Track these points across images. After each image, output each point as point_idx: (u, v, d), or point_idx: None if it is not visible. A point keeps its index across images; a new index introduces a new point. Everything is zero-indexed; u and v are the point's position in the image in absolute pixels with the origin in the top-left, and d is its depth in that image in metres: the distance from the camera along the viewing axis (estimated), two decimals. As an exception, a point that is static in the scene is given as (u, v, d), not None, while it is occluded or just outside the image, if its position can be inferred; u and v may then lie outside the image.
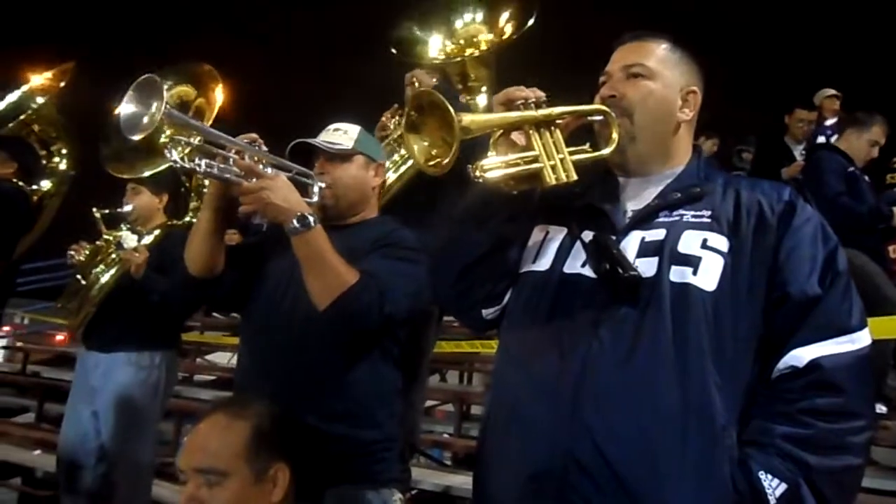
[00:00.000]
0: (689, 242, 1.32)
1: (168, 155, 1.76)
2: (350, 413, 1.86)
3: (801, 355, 1.27)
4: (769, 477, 1.22)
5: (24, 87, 4.16)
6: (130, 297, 3.20)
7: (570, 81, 1.51)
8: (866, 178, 4.29)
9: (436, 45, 3.21)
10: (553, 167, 1.31)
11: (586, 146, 1.39)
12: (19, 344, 7.51)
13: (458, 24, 3.22)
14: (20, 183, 4.01)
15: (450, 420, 4.77)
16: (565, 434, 1.25)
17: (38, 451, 4.52)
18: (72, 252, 3.36)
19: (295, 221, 1.78)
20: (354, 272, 1.79)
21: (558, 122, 1.35)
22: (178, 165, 1.77)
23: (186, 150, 1.76)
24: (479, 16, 3.22)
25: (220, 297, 2.04)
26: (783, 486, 1.22)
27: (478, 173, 1.29)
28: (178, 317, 3.51)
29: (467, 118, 1.26)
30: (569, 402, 1.26)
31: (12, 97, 4.14)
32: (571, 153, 1.34)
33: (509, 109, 1.34)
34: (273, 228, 1.98)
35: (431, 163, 1.30)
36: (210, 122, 2.60)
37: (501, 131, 1.35)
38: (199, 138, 1.80)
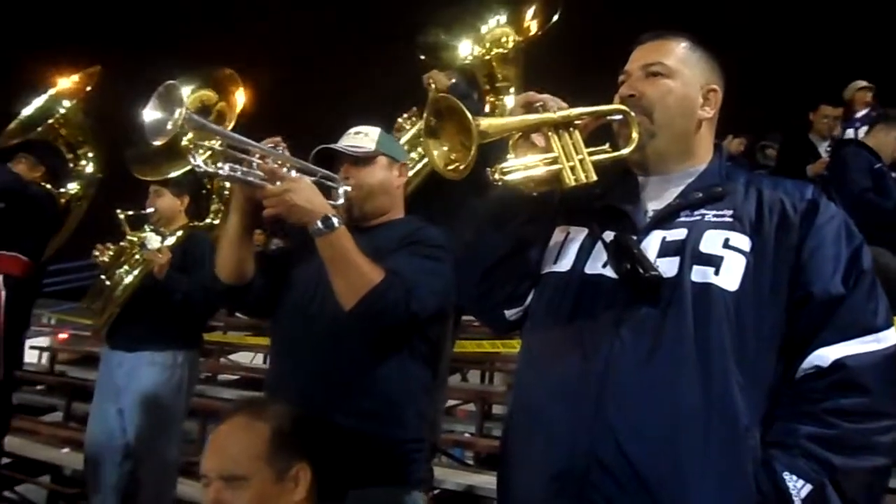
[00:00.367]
0: (710, 242, 1.31)
1: (192, 160, 1.78)
2: (380, 412, 1.86)
3: (825, 355, 1.26)
4: (794, 478, 1.21)
5: (51, 91, 4.22)
6: (154, 297, 3.25)
7: (591, 83, 1.51)
8: (893, 174, 4.22)
9: (463, 49, 3.22)
10: (572, 168, 1.31)
11: (606, 146, 1.39)
12: (48, 343, 7.63)
13: (484, 28, 3.23)
14: (48, 186, 4.08)
15: (471, 419, 4.77)
16: (587, 434, 1.25)
17: (66, 450, 4.59)
18: (96, 253, 3.41)
19: (319, 223, 1.79)
20: (380, 271, 1.80)
21: (577, 122, 1.35)
22: (201, 170, 1.80)
23: (209, 155, 1.78)
24: (504, 17, 3.23)
25: (251, 303, 2.04)
26: (808, 487, 1.21)
27: (497, 176, 1.30)
28: (200, 317, 3.55)
29: (485, 122, 1.27)
30: (591, 401, 1.27)
31: (39, 101, 4.21)
32: (591, 154, 1.34)
33: (528, 112, 1.35)
34: (299, 234, 2.00)
35: (451, 167, 1.31)
36: (232, 125, 2.63)
37: (520, 133, 1.35)
38: (221, 142, 1.82)
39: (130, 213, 3.42)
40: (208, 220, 3.96)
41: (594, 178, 1.32)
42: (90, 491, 3.35)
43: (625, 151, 1.39)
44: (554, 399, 1.32)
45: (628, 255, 1.31)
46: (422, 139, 1.41)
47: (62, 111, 4.19)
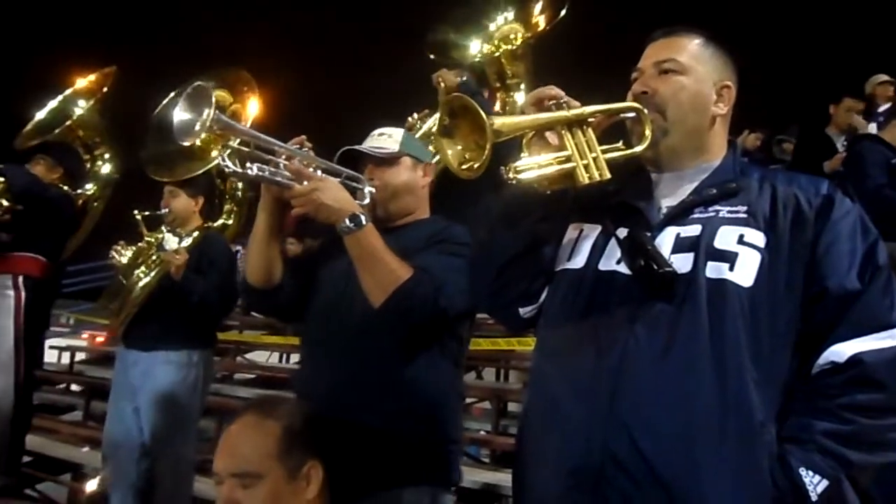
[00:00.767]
0: (725, 238, 1.31)
1: (221, 161, 1.80)
2: (411, 411, 1.85)
3: (841, 351, 1.26)
4: (810, 473, 1.21)
5: (67, 92, 4.27)
6: (170, 297, 3.27)
7: (602, 80, 1.51)
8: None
9: (473, 47, 3.23)
10: (586, 166, 1.31)
11: (619, 144, 1.39)
12: (65, 343, 7.70)
13: (492, 26, 3.23)
14: (65, 187, 4.13)
15: (487, 417, 4.77)
16: (602, 430, 1.26)
17: (86, 448, 4.63)
18: (113, 254, 3.44)
19: (347, 220, 1.80)
20: (408, 268, 1.81)
21: (590, 120, 1.35)
22: (230, 170, 1.81)
23: (230, 155, 1.80)
24: (511, 14, 3.22)
25: (282, 305, 2.04)
26: (824, 483, 1.21)
27: (511, 175, 1.30)
28: (215, 317, 3.57)
29: (499, 121, 1.27)
30: (606, 398, 1.27)
31: (55, 102, 4.25)
32: (604, 151, 1.34)
33: (541, 110, 1.35)
34: (327, 235, 2.01)
35: (465, 167, 1.32)
36: (247, 126, 2.64)
37: (534, 132, 1.36)
38: (242, 141, 1.83)
39: (147, 213, 3.44)
40: (221, 221, 3.99)
41: (608, 175, 1.32)
42: (109, 489, 3.38)
43: (638, 149, 1.39)
44: (569, 396, 1.32)
45: (642, 251, 1.31)
46: (435, 138, 1.42)
47: (78, 112, 4.23)
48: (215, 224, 3.73)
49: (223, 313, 3.75)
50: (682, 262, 1.31)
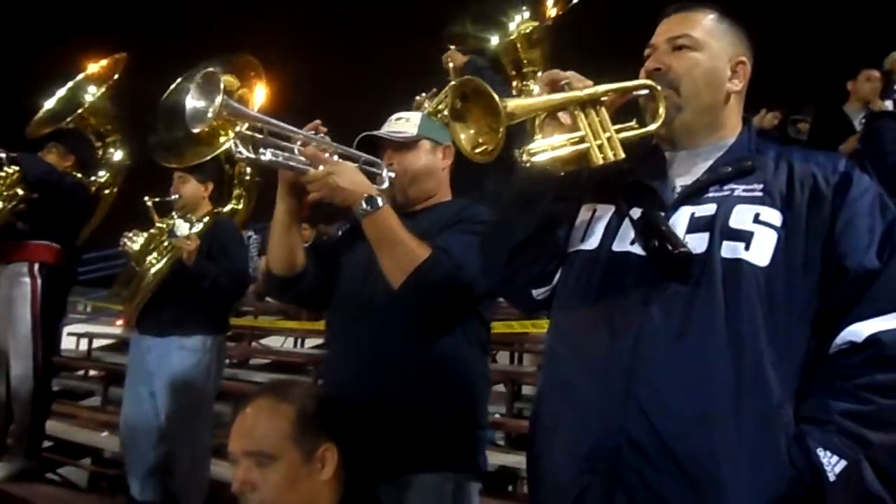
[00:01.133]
0: (740, 217, 1.29)
1: (233, 147, 1.79)
2: (436, 396, 1.84)
3: (859, 330, 1.24)
4: (828, 454, 1.20)
5: (77, 79, 4.27)
6: (182, 283, 3.29)
7: (615, 59, 1.49)
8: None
9: (490, 39, 3.22)
10: (600, 146, 1.30)
11: (633, 123, 1.37)
12: (83, 330, 7.78)
13: (512, 25, 3.22)
14: (78, 175, 4.15)
15: (501, 400, 4.78)
16: (618, 412, 1.25)
17: (105, 433, 4.69)
18: (125, 240, 3.46)
19: (363, 203, 1.79)
20: (426, 248, 1.80)
21: (603, 100, 1.34)
22: (242, 156, 1.80)
23: (249, 142, 1.80)
24: (527, 13, 3.21)
25: (306, 293, 2.04)
26: (843, 464, 1.20)
27: (525, 157, 1.29)
28: (227, 302, 3.59)
29: (512, 103, 1.26)
30: (621, 379, 1.26)
31: (64, 91, 4.26)
32: (618, 131, 1.32)
33: (553, 91, 1.33)
34: (349, 227, 2.00)
35: (478, 150, 1.31)
36: (255, 110, 2.64)
37: (546, 113, 1.34)
38: (254, 127, 1.82)
39: (157, 199, 3.45)
40: (231, 206, 4.00)
41: (622, 155, 1.30)
42: (127, 472, 3.42)
43: (652, 127, 1.37)
44: (584, 377, 1.32)
45: (656, 231, 1.30)
46: (448, 122, 1.40)
47: (89, 99, 4.24)
48: (225, 209, 3.74)
49: (235, 298, 3.77)
50: (697, 242, 1.29)
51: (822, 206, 1.30)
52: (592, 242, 1.40)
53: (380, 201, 1.80)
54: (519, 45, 3.16)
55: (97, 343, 7.43)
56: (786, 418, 1.23)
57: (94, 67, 4.31)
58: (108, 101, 4.30)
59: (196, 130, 1.79)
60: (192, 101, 1.78)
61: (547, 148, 1.31)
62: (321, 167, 1.82)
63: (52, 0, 10.03)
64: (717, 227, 1.29)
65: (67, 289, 4.34)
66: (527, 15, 3.23)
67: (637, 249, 1.33)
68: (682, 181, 1.39)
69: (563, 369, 1.38)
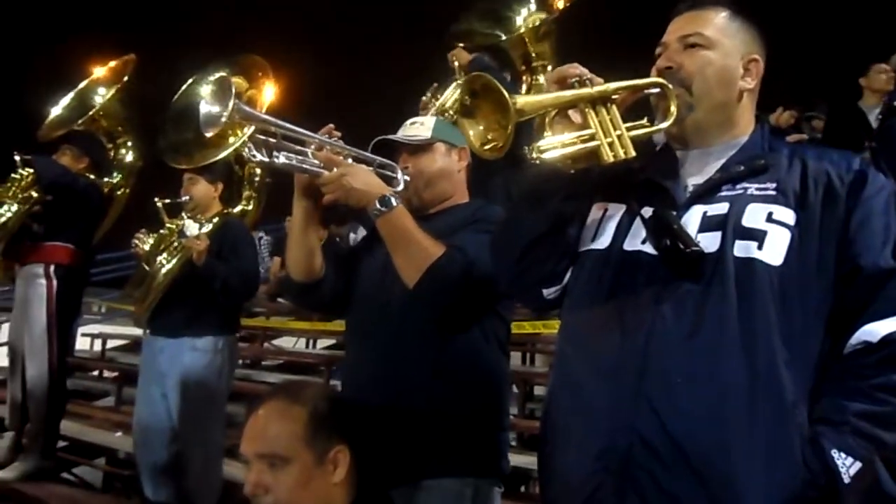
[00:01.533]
0: (753, 216, 1.28)
1: (246, 152, 1.81)
2: (455, 397, 1.83)
3: (874, 330, 1.23)
4: (843, 455, 1.19)
5: (87, 81, 4.30)
6: (193, 283, 3.31)
7: (629, 58, 1.48)
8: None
9: (497, 36, 3.21)
10: (610, 144, 1.29)
11: (644, 121, 1.36)
12: (98, 331, 7.83)
13: (518, 20, 3.21)
14: (91, 177, 4.19)
15: (513, 401, 4.76)
16: (629, 411, 1.24)
17: (119, 433, 4.71)
18: (136, 241, 3.48)
19: (377, 203, 1.80)
20: (440, 246, 1.80)
21: (614, 97, 1.33)
22: (256, 160, 1.82)
23: (262, 146, 1.81)
24: (533, 5, 3.20)
25: (327, 298, 2.04)
26: (858, 465, 1.18)
27: (535, 154, 1.28)
28: (238, 302, 3.60)
29: (521, 100, 1.25)
30: (632, 379, 1.25)
31: (74, 93, 4.29)
32: (629, 129, 1.32)
33: (563, 88, 1.32)
34: (367, 234, 2.00)
35: (487, 147, 1.30)
36: (263, 111, 2.66)
37: (557, 110, 1.33)
38: (267, 131, 1.83)
39: (168, 201, 3.47)
40: (241, 207, 4.02)
41: (633, 153, 1.29)
42: (140, 473, 3.44)
43: (663, 125, 1.36)
44: (594, 377, 1.31)
45: (668, 230, 1.29)
46: (456, 119, 1.40)
47: (100, 101, 4.27)
48: (235, 210, 3.75)
49: (245, 298, 3.79)
50: (710, 241, 1.28)
51: (836, 204, 1.29)
52: (603, 241, 1.39)
53: (394, 201, 1.81)
54: (527, 40, 3.15)
55: (111, 343, 7.46)
56: (800, 419, 1.22)
57: (102, 70, 4.34)
58: (119, 103, 4.33)
59: (209, 135, 1.81)
60: (206, 106, 1.81)
61: (557, 145, 1.30)
62: (335, 169, 1.83)
63: (53, 0, 10.07)
64: (729, 226, 1.28)
65: (82, 289, 4.38)
66: (533, 7, 3.22)
67: (649, 248, 1.32)
68: (694, 180, 1.38)
69: (574, 368, 1.37)
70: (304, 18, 9.80)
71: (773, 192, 1.31)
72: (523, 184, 1.41)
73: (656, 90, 1.36)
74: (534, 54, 3.20)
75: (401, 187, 1.96)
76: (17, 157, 3.89)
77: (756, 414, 1.20)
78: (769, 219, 1.28)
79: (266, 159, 1.82)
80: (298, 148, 1.86)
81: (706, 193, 1.34)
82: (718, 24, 1.40)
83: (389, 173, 1.97)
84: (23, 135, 4.28)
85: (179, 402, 3.32)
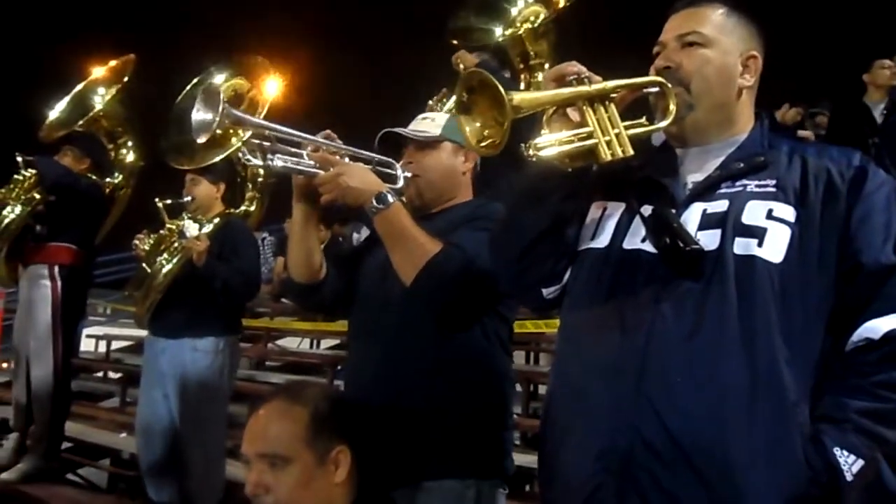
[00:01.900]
0: (753, 213, 1.28)
1: (242, 156, 1.82)
2: (457, 397, 1.81)
3: (876, 327, 1.23)
4: (845, 453, 1.18)
5: (86, 81, 4.32)
6: (194, 284, 3.31)
7: (627, 57, 1.47)
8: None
9: (495, 31, 3.20)
10: (608, 143, 1.28)
11: (642, 119, 1.36)
12: (102, 332, 7.86)
13: (514, 10, 3.20)
14: (93, 177, 4.20)
15: (517, 400, 4.76)
16: (630, 411, 1.24)
17: (123, 434, 4.72)
18: (136, 242, 3.48)
19: (374, 200, 1.80)
20: (438, 243, 1.79)
21: (612, 96, 1.32)
22: (251, 163, 1.83)
23: (259, 149, 1.81)
24: None
25: (328, 299, 2.04)
26: (860, 463, 1.18)
27: (532, 152, 1.27)
28: (239, 302, 3.60)
29: (518, 96, 1.24)
30: (632, 378, 1.25)
31: (74, 94, 4.30)
32: (627, 127, 1.31)
33: (561, 85, 1.32)
34: (368, 236, 1.99)
35: (484, 143, 1.30)
36: (264, 111, 2.66)
37: (554, 108, 1.33)
38: (260, 134, 1.84)
39: (168, 201, 3.48)
40: (243, 208, 4.02)
41: (631, 152, 1.28)
42: (143, 474, 3.45)
43: (662, 124, 1.35)
44: (594, 376, 1.31)
45: (667, 228, 1.28)
46: (454, 115, 1.39)
47: (100, 102, 4.28)
48: (237, 211, 3.75)
49: (247, 299, 3.78)
50: (709, 239, 1.28)
51: (836, 201, 1.28)
52: (603, 240, 1.39)
53: (390, 198, 1.80)
54: (525, 38, 3.14)
55: (116, 345, 7.49)
56: (801, 417, 1.22)
57: (101, 70, 4.35)
58: (119, 103, 4.34)
59: (201, 141, 1.81)
60: (196, 114, 1.81)
61: (554, 143, 1.29)
62: (331, 169, 1.82)
63: (55, 1, 10.09)
64: (729, 224, 1.28)
65: (86, 291, 4.39)
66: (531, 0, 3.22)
67: (648, 247, 1.32)
68: (693, 178, 1.38)
69: (574, 368, 1.37)
70: (304, 19, 9.80)
71: (772, 189, 1.30)
72: (522, 181, 1.40)
73: (655, 89, 1.36)
74: (532, 53, 3.19)
75: (400, 184, 1.95)
76: (19, 159, 3.90)
77: (757, 413, 1.20)
78: (769, 216, 1.27)
79: (261, 162, 1.82)
80: (294, 150, 1.86)
81: (705, 191, 1.34)
82: (716, 21, 1.39)
83: (389, 171, 1.96)
84: (24, 136, 4.28)
85: (181, 404, 3.33)
